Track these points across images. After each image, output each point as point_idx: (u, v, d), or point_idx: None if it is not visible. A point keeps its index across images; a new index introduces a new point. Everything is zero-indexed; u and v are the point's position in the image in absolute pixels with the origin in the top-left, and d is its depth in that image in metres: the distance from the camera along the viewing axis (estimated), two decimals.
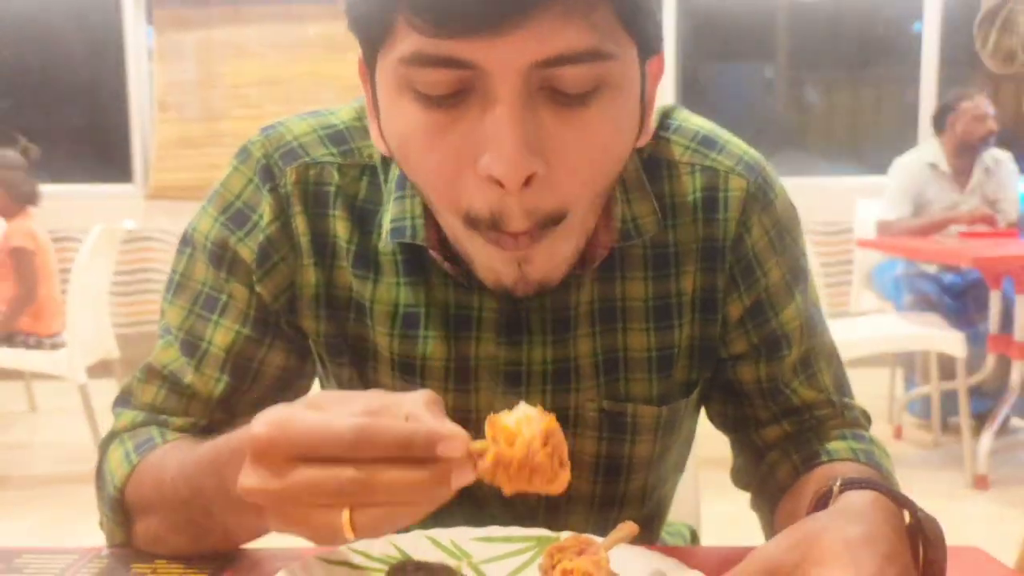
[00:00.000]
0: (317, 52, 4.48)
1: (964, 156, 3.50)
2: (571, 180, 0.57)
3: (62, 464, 3.23)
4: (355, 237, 0.70)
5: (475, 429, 0.49)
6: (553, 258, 0.61)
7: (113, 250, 3.13)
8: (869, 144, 4.85)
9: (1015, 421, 3.45)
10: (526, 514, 0.74)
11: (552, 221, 0.58)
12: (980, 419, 3.08)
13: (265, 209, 0.70)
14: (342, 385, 0.74)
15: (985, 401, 3.15)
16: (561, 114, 0.55)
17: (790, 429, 0.74)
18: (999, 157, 3.56)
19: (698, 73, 4.73)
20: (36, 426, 3.71)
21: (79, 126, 4.82)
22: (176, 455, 0.64)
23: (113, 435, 0.72)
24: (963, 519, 2.58)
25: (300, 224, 0.70)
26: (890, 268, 3.53)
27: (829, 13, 4.78)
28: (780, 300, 0.73)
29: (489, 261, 0.61)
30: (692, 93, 4.65)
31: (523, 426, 0.47)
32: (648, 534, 0.80)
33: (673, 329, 0.72)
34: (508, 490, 0.48)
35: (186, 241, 0.73)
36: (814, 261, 3.02)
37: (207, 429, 0.70)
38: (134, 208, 4.39)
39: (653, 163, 0.71)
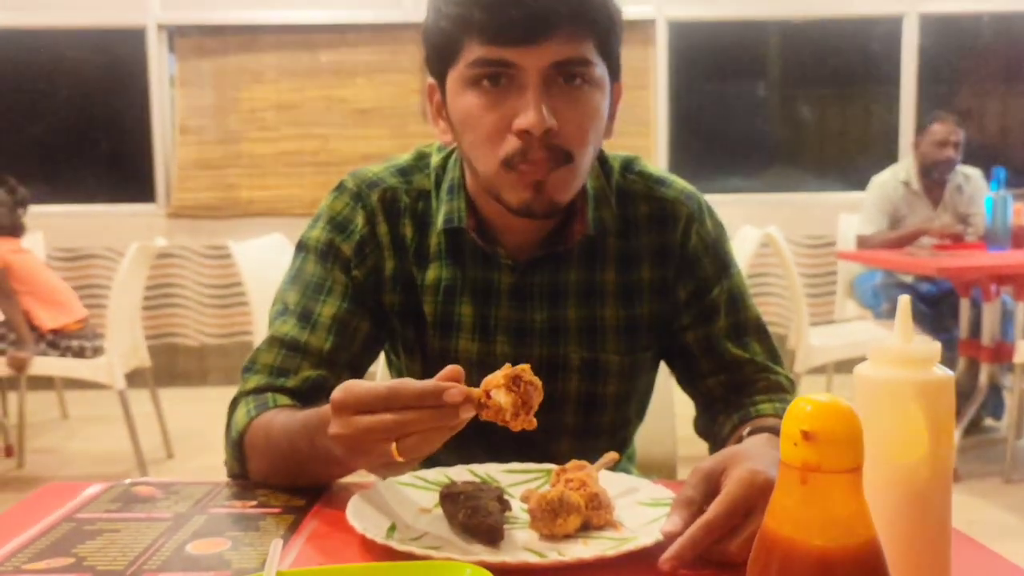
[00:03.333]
0: (328, 78, 4.73)
1: (929, 176, 3.73)
2: (571, 133, 0.89)
3: (92, 467, 3.46)
4: (416, 238, 1.01)
5: (492, 367, 0.73)
6: (562, 186, 0.91)
7: (146, 266, 3.35)
8: (853, 161, 5.08)
9: (989, 421, 3.69)
10: (528, 443, 0.98)
11: (564, 159, 0.89)
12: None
13: (359, 220, 1.01)
14: (407, 347, 1.03)
15: (958, 401, 3.36)
16: (565, 97, 0.89)
17: (725, 380, 1.02)
18: (969, 174, 3.80)
19: (692, 92, 4.96)
20: (68, 432, 3.93)
21: (105, 149, 5.05)
22: (281, 417, 0.90)
23: (241, 394, 0.97)
24: None
25: (382, 229, 1.01)
26: (870, 278, 3.75)
27: (819, 33, 5.01)
28: (711, 284, 1.03)
29: (517, 190, 0.90)
30: (686, 112, 4.87)
31: (502, 398, 0.70)
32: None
33: (635, 306, 1.02)
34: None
35: (301, 247, 1.03)
36: (799, 272, 3.26)
37: (313, 385, 0.96)
38: (156, 226, 4.63)
39: (621, 194, 1.03)
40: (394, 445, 0.69)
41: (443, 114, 0.95)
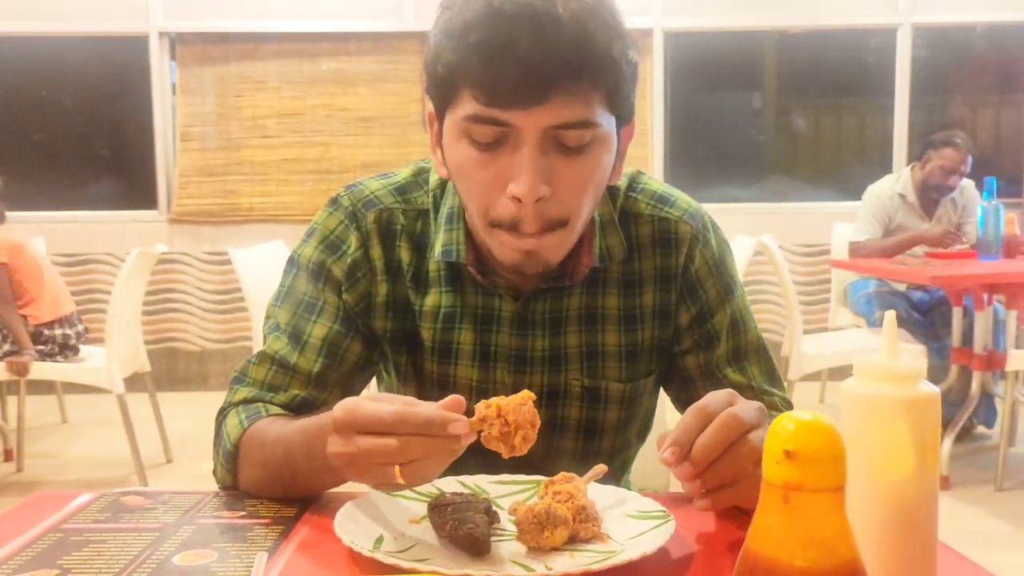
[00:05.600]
0: (329, 87, 4.74)
1: (927, 194, 3.73)
2: (567, 200, 0.84)
3: (91, 471, 3.46)
4: (413, 261, 0.98)
5: (491, 394, 0.75)
6: (555, 249, 0.88)
7: (147, 271, 3.35)
8: (847, 170, 5.09)
9: (981, 429, 3.69)
10: (527, 465, 0.98)
11: (558, 225, 0.85)
12: (946, 426, 3.32)
13: (352, 241, 0.97)
14: (399, 370, 1.01)
15: (951, 409, 3.37)
16: (563, 159, 0.83)
17: None
18: (963, 185, 3.79)
19: (688, 102, 4.97)
20: (67, 436, 3.93)
21: (107, 155, 5.06)
22: (275, 427, 0.90)
23: (230, 405, 0.96)
24: None
25: (376, 252, 0.97)
26: (863, 286, 3.74)
27: (814, 44, 5.02)
28: (714, 308, 1.00)
29: (507, 250, 0.87)
30: (682, 122, 4.88)
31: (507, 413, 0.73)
32: (614, 483, 1.06)
33: (637, 332, 0.99)
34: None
35: (292, 263, 1.00)
36: (794, 280, 3.27)
37: (302, 403, 0.96)
38: (158, 232, 4.63)
39: (624, 214, 1.00)
40: (397, 468, 0.70)
41: (441, 146, 0.91)
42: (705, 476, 0.73)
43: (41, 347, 3.20)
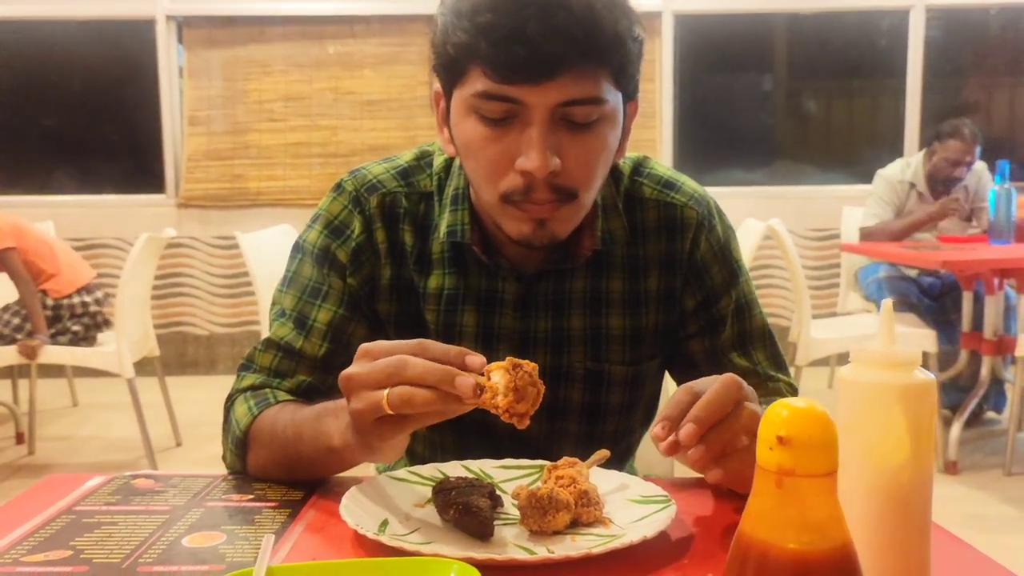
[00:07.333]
0: (336, 70, 4.74)
1: (935, 186, 3.71)
2: (577, 173, 0.86)
3: (101, 454, 3.50)
4: (417, 244, 0.99)
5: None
6: (565, 221, 0.90)
7: (156, 256, 3.37)
8: (858, 154, 5.07)
9: (991, 414, 3.69)
10: (531, 450, 1.00)
11: (568, 197, 0.87)
12: (955, 411, 3.31)
13: (356, 226, 0.99)
14: None
15: (961, 394, 3.38)
16: (571, 135, 0.85)
17: None
18: (975, 169, 3.78)
19: (698, 85, 4.95)
20: (78, 420, 3.97)
21: (115, 140, 5.08)
22: (286, 411, 0.91)
23: (238, 392, 0.98)
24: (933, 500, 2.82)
25: (380, 236, 0.99)
26: (873, 271, 3.74)
27: (825, 26, 4.99)
28: (720, 293, 1.01)
29: (517, 223, 0.89)
30: (691, 105, 4.86)
31: (498, 378, 0.71)
32: (618, 468, 1.07)
33: (641, 316, 1.01)
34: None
35: (297, 248, 1.01)
36: (803, 264, 3.26)
37: (309, 388, 0.97)
38: (166, 216, 4.65)
39: (630, 199, 1.01)
40: (385, 393, 0.70)
41: (448, 125, 0.92)
42: (709, 439, 0.74)
43: (71, 322, 3.25)
